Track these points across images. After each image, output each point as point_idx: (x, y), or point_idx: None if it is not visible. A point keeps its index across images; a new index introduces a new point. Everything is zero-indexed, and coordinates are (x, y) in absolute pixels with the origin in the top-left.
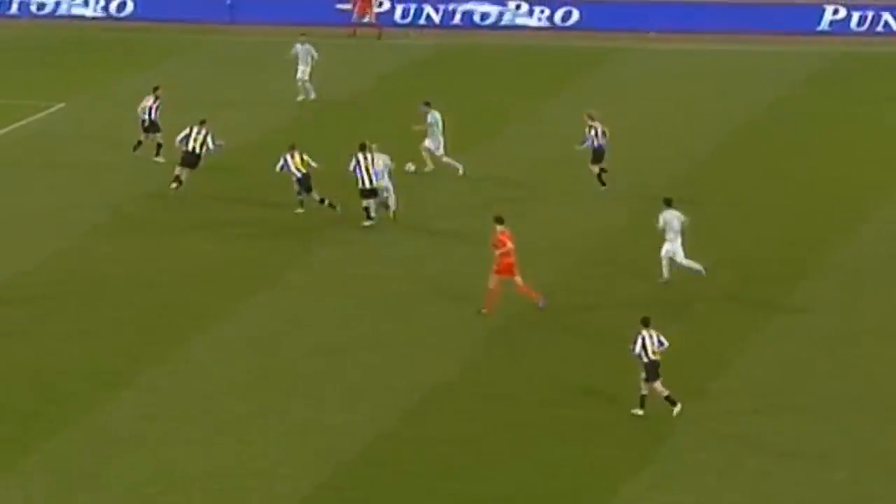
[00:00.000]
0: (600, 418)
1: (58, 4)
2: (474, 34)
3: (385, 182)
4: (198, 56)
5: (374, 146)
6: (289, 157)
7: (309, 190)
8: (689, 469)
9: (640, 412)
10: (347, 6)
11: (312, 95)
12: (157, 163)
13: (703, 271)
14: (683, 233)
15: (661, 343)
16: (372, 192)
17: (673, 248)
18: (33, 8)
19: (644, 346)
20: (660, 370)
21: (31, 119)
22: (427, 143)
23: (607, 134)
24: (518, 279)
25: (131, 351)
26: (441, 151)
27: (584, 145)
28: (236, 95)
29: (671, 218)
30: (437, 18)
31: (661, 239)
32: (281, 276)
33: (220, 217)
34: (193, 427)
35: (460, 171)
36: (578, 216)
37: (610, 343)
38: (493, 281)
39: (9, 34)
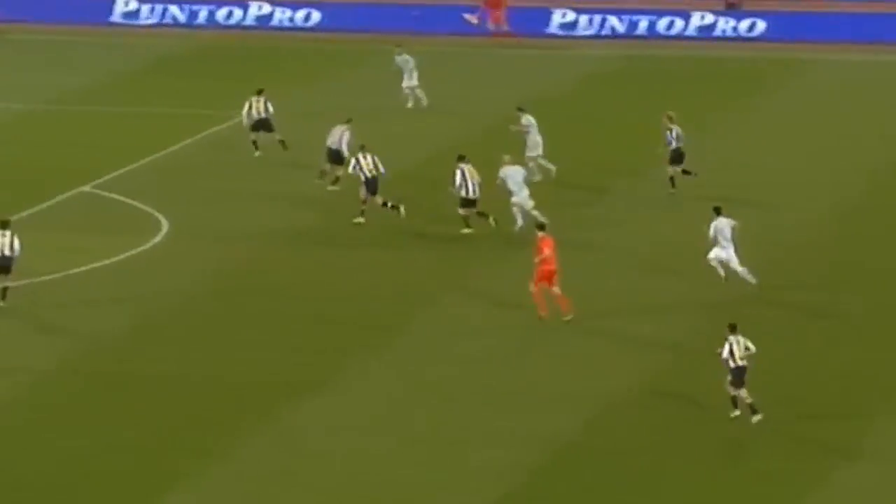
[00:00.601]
0: (794, 429)
1: (244, 15)
2: (657, 45)
3: (520, 196)
4: (376, 67)
5: (507, 157)
6: (361, 158)
7: (374, 193)
8: None
9: (737, 413)
10: (474, 17)
11: (421, 102)
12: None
13: (755, 281)
14: (735, 240)
15: (747, 348)
16: (472, 203)
17: (727, 254)
18: (220, 18)
19: (731, 352)
20: (745, 377)
21: (216, 129)
22: (528, 151)
23: (682, 137)
24: (555, 289)
25: (316, 361)
26: (538, 152)
27: (669, 147)
28: (413, 106)
29: (723, 226)
30: (621, 28)
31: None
32: (460, 285)
33: (398, 228)
34: (380, 439)
35: (553, 173)
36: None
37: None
38: (533, 287)
39: (195, 44)
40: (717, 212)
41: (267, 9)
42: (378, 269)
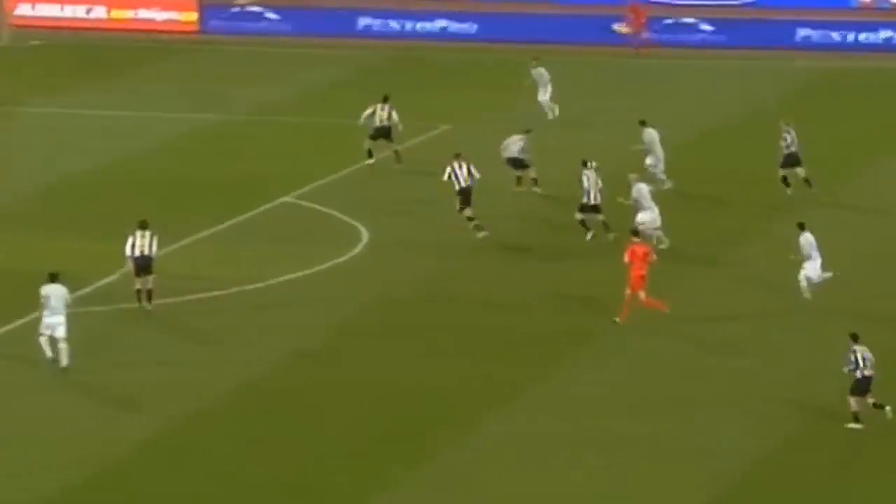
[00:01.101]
0: None
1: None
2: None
3: (647, 216)
4: (572, 76)
5: (634, 176)
6: (456, 167)
7: (467, 203)
8: None
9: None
10: (625, 27)
11: (555, 113)
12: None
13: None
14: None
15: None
16: (593, 209)
17: (813, 269)
18: (416, 29)
19: (857, 362)
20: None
21: (417, 140)
22: (648, 160)
23: (796, 142)
24: (641, 294)
25: (512, 370)
26: (661, 167)
27: (784, 150)
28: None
29: (811, 241)
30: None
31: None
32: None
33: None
34: (579, 448)
35: (668, 186)
36: None
37: None
38: (628, 291)
39: (391, 55)
40: (802, 227)
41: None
42: (570, 279)
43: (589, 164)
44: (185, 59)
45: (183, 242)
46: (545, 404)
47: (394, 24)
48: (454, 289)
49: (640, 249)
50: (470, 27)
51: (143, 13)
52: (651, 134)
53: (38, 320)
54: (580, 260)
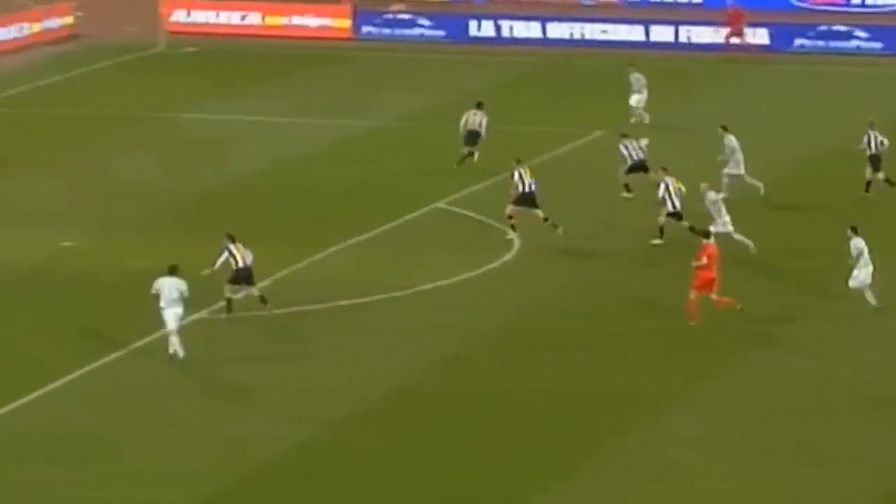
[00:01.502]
0: None
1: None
2: None
3: (721, 222)
4: (733, 85)
5: (704, 185)
6: (522, 172)
7: (534, 206)
8: None
9: None
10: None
11: (645, 121)
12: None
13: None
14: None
15: None
16: (677, 216)
17: (864, 276)
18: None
19: None
20: None
21: (569, 146)
22: (729, 168)
23: (886, 144)
24: (713, 295)
25: (667, 376)
26: (742, 171)
27: (860, 146)
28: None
29: (862, 246)
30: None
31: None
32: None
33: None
34: (732, 454)
35: (761, 191)
36: None
37: None
38: (693, 294)
39: (543, 61)
40: (855, 231)
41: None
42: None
43: (668, 170)
44: (338, 66)
45: (334, 248)
46: (695, 410)
47: (545, 30)
48: (607, 294)
49: (713, 251)
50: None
51: (297, 20)
52: (731, 141)
53: (177, 319)
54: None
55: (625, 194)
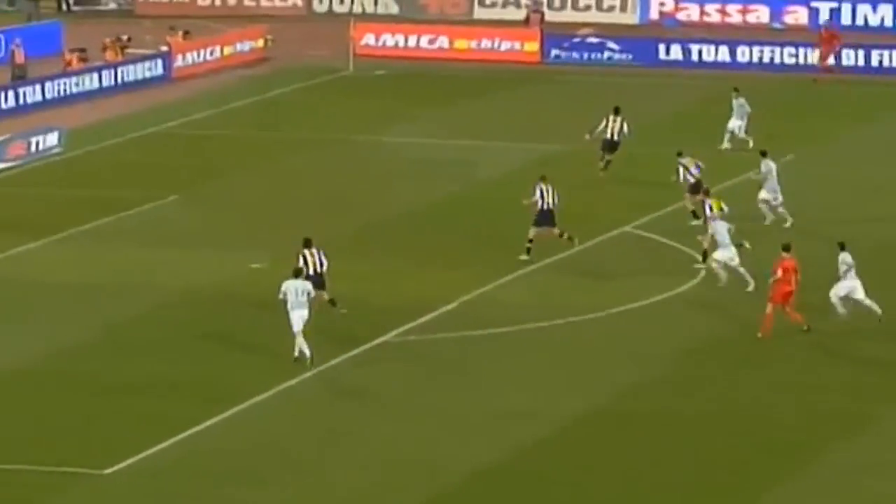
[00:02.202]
0: None
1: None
2: None
3: (725, 253)
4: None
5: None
6: (544, 189)
7: (552, 224)
8: None
9: None
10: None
11: (750, 145)
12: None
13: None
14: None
15: None
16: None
17: (849, 287)
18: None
19: None
20: None
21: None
22: (763, 193)
23: None
24: (788, 308)
25: (850, 402)
26: (779, 201)
27: None
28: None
29: (850, 261)
30: None
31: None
32: None
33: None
34: None
35: (788, 223)
36: None
37: None
38: (770, 307)
39: (719, 86)
40: (841, 247)
41: None
42: None
43: (709, 191)
44: (527, 89)
45: (522, 271)
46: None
47: (733, 53)
48: (787, 321)
49: (789, 264)
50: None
51: (486, 43)
52: (769, 165)
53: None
54: None
55: (693, 222)
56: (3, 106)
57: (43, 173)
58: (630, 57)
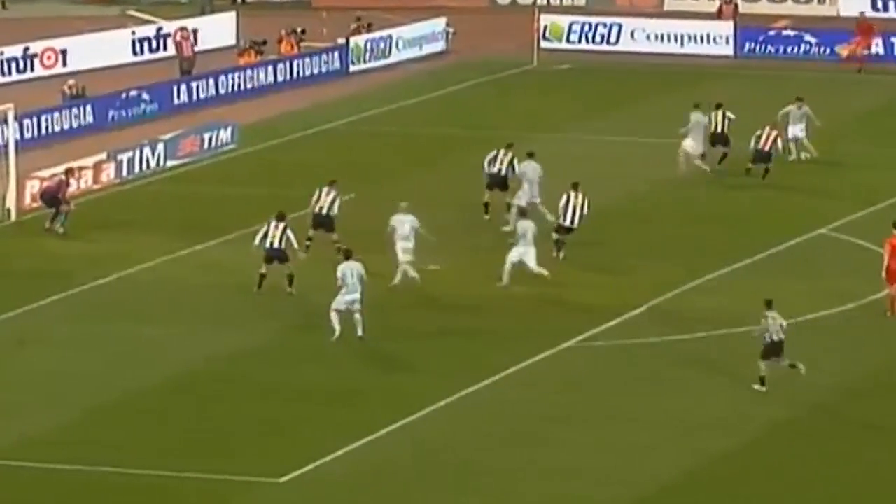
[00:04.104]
0: None
1: None
2: None
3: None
4: None
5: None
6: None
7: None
8: None
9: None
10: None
11: (804, 155)
12: None
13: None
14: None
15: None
16: None
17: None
18: None
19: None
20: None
21: None
22: (686, 143)
23: None
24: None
25: None
26: (700, 152)
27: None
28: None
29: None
30: None
31: None
32: None
33: None
34: None
35: (707, 171)
36: None
37: None
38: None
39: None
40: (523, 214)
41: None
42: None
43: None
44: (718, 84)
45: (714, 274)
46: None
47: None
48: None
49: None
50: None
51: (676, 36)
52: (697, 117)
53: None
54: None
55: None
56: (176, 101)
57: (215, 171)
58: (827, 51)
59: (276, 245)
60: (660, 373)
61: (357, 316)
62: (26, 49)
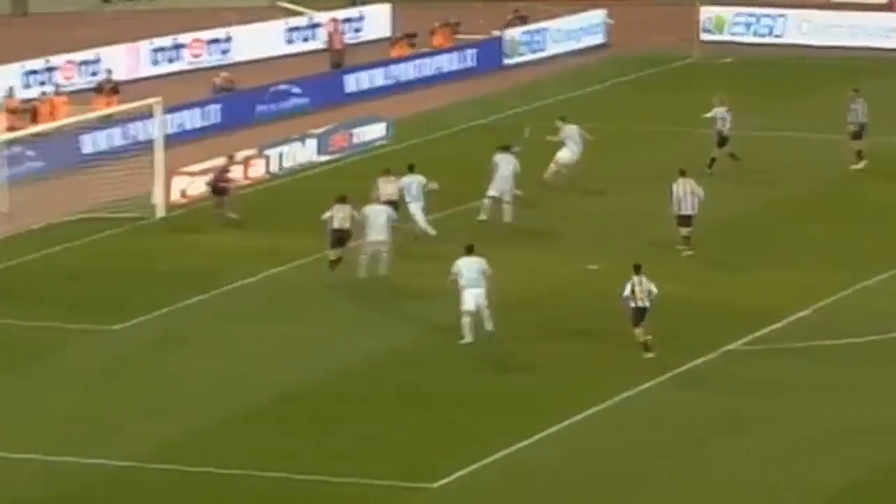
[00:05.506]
0: None
1: None
2: None
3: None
4: None
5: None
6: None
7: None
8: None
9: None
10: None
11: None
12: None
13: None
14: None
15: (650, 291)
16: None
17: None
18: None
19: (632, 292)
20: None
21: None
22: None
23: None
24: None
25: None
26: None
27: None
28: None
29: (409, 182)
30: None
31: None
32: None
33: None
34: None
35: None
36: None
37: None
38: None
39: None
40: (410, 168)
41: None
42: None
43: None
44: (883, 79)
45: (881, 276)
46: None
47: None
48: None
49: None
50: None
51: (844, 27)
52: (570, 130)
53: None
54: None
55: None
56: (326, 95)
57: (368, 166)
58: None
59: (345, 226)
60: (822, 379)
61: (485, 311)
62: (175, 40)
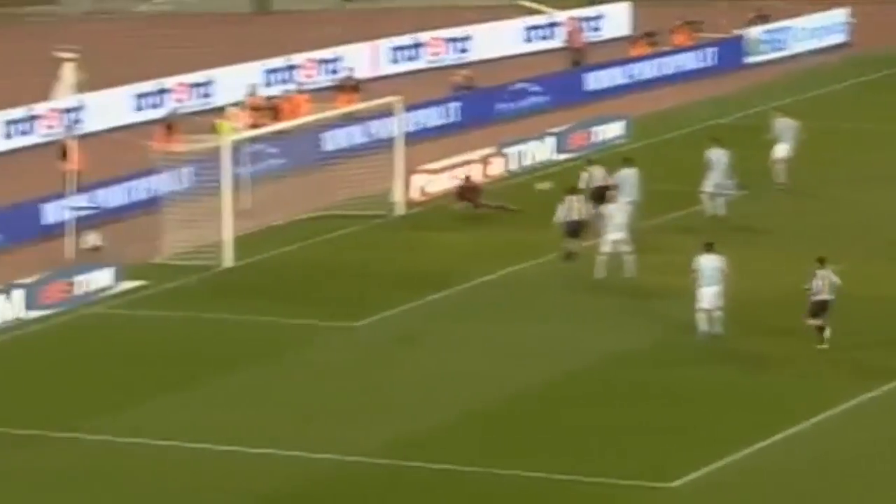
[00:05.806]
0: None
1: None
2: None
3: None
4: None
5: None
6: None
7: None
8: None
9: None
10: None
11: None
12: None
13: None
14: None
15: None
16: None
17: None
18: None
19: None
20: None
21: None
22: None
23: None
24: None
25: None
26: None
27: None
28: None
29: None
30: None
31: None
32: None
33: None
34: None
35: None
36: None
37: None
38: None
39: None
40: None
41: None
42: None
43: None
44: None
45: None
46: None
47: None
48: None
49: None
50: None
51: None
52: (785, 124)
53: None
54: None
55: None
56: (566, 93)
57: (606, 163)
58: None
59: (581, 217)
60: None
61: (716, 314)
62: (414, 39)
